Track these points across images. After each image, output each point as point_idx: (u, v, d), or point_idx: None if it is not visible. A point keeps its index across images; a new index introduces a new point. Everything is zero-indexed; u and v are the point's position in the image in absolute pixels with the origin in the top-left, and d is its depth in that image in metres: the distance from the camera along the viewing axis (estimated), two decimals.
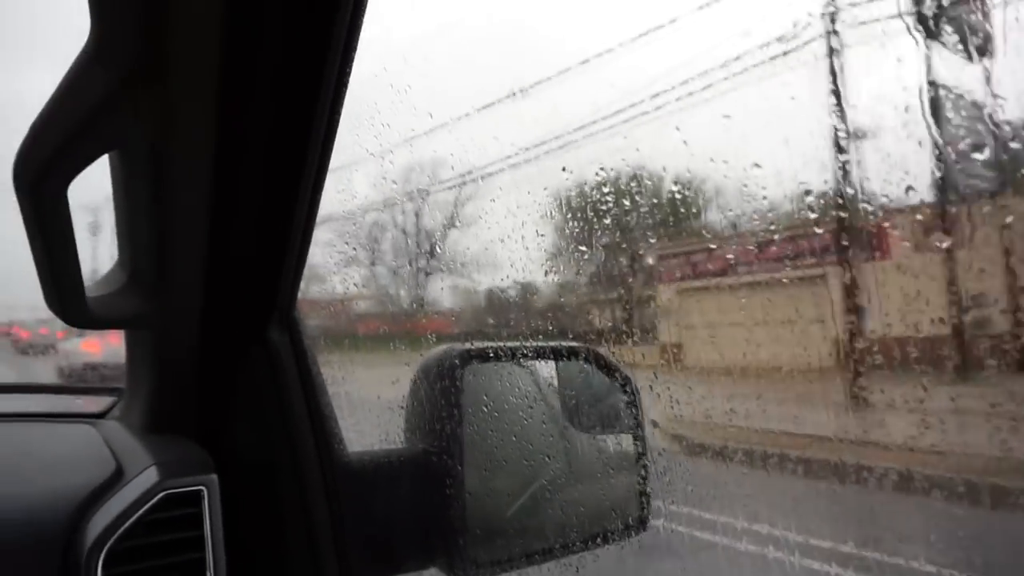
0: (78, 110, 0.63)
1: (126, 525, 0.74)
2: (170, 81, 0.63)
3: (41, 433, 1.18)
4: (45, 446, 1.06)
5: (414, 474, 1.01)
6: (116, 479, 0.81)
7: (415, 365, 1.14)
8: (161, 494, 0.77)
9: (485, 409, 1.10)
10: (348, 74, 0.68)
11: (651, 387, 1.25)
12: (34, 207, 0.66)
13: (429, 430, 1.03)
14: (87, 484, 0.80)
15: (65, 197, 0.67)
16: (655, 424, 1.27)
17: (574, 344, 1.18)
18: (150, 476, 0.79)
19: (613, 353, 1.25)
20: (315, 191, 0.77)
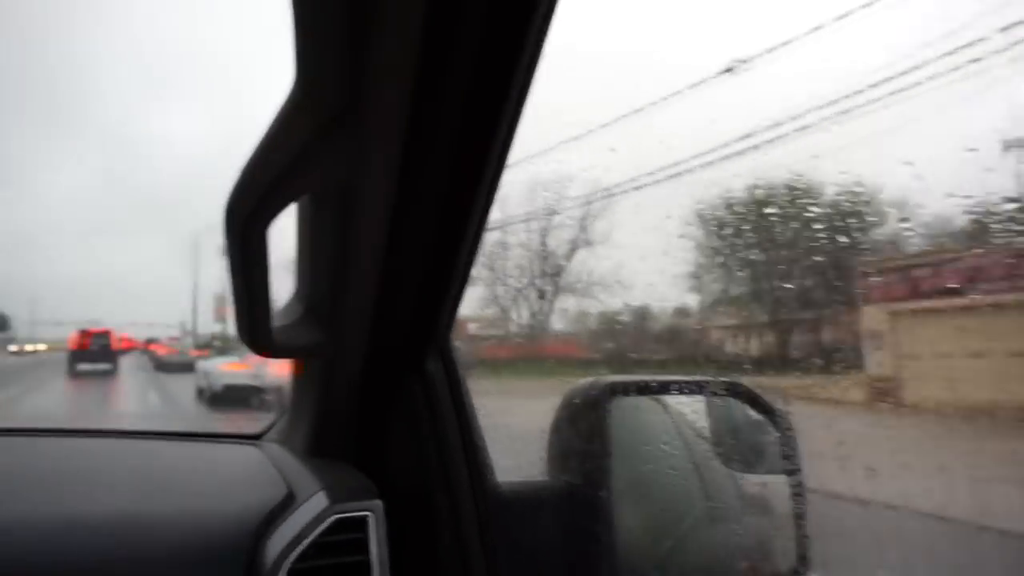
0: (284, 155, 0.70)
1: (301, 547, 0.80)
2: (363, 126, 0.69)
3: (208, 452, 1.29)
4: (215, 465, 1.15)
5: (561, 507, 1.02)
6: (288, 502, 0.88)
7: (545, 391, 1.14)
8: (332, 518, 0.82)
9: (632, 444, 1.09)
10: (519, 121, 0.72)
11: (862, 428, 1.15)
12: (241, 245, 0.74)
13: (576, 464, 1.04)
14: (262, 505, 0.87)
15: (267, 236, 0.75)
16: (872, 471, 1.18)
17: (724, 379, 1.15)
18: (320, 500, 0.85)
19: (796, 386, 1.19)
20: (480, 228, 0.82)
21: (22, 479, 1.01)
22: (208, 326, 50.97)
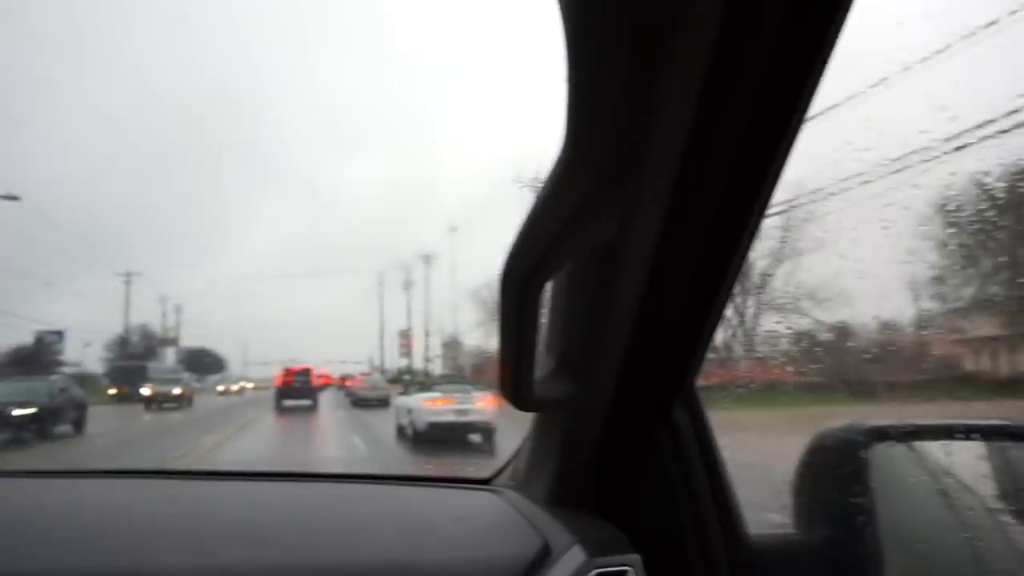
0: (559, 214, 0.75)
1: None
2: (636, 180, 0.72)
3: (444, 497, 1.34)
4: (457, 511, 1.19)
5: (820, 566, 0.96)
6: (545, 553, 0.91)
7: (772, 424, 1.08)
8: (593, 572, 0.85)
9: (900, 496, 1.00)
10: (783, 172, 0.72)
11: None
12: (517, 304, 0.79)
13: (832, 517, 0.98)
14: (518, 556, 0.92)
15: (541, 295, 0.80)
16: None
17: (1011, 423, 1.02)
18: (577, 554, 0.88)
19: None
20: (734, 277, 0.82)
21: (265, 524, 1.08)
22: (394, 361, 55.64)
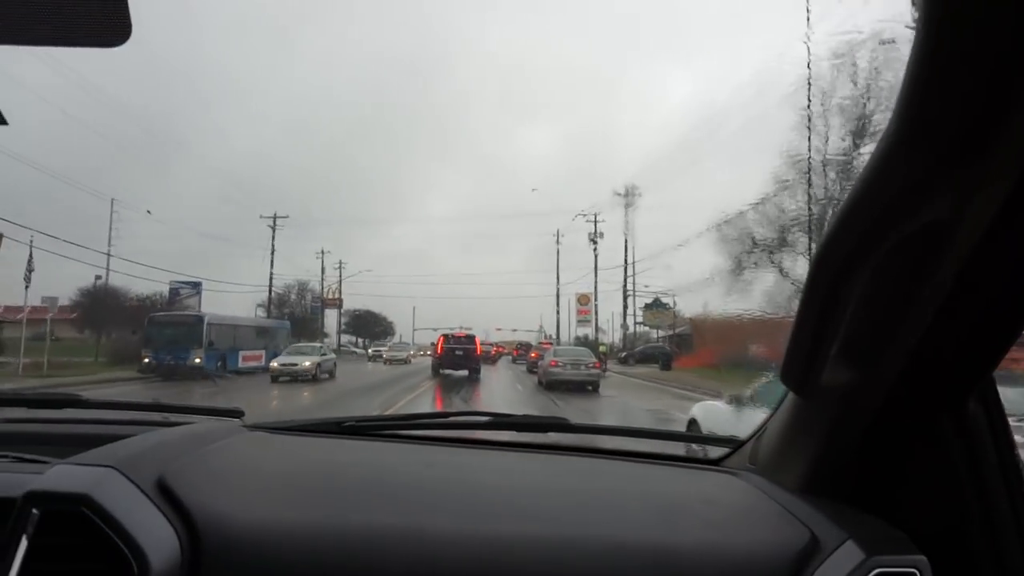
0: (885, 194, 0.77)
1: None
2: (978, 162, 0.72)
3: (684, 477, 1.38)
4: (702, 493, 1.23)
5: None
6: (814, 545, 0.96)
7: None
8: (875, 572, 0.88)
9: None
10: None
11: None
12: (830, 287, 0.83)
13: None
14: (783, 545, 0.97)
15: (857, 278, 0.82)
16: None
17: None
18: (853, 550, 0.92)
19: None
20: None
21: (522, 494, 1.16)
22: (570, 329, 55.76)
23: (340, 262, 59.74)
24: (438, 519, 1.01)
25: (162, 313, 29.75)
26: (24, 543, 0.85)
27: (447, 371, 27.17)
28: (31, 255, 24.67)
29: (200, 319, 27.66)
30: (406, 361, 41.60)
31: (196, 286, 43.47)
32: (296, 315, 54.48)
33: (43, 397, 1.74)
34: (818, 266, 0.82)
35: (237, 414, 1.64)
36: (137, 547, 0.86)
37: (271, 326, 36.27)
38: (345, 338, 64.94)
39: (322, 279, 58.31)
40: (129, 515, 0.89)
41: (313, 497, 1.08)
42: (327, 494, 1.10)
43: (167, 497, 0.97)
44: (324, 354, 26.59)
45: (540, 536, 0.98)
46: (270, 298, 49.81)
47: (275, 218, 48.55)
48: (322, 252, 58.39)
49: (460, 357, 27.62)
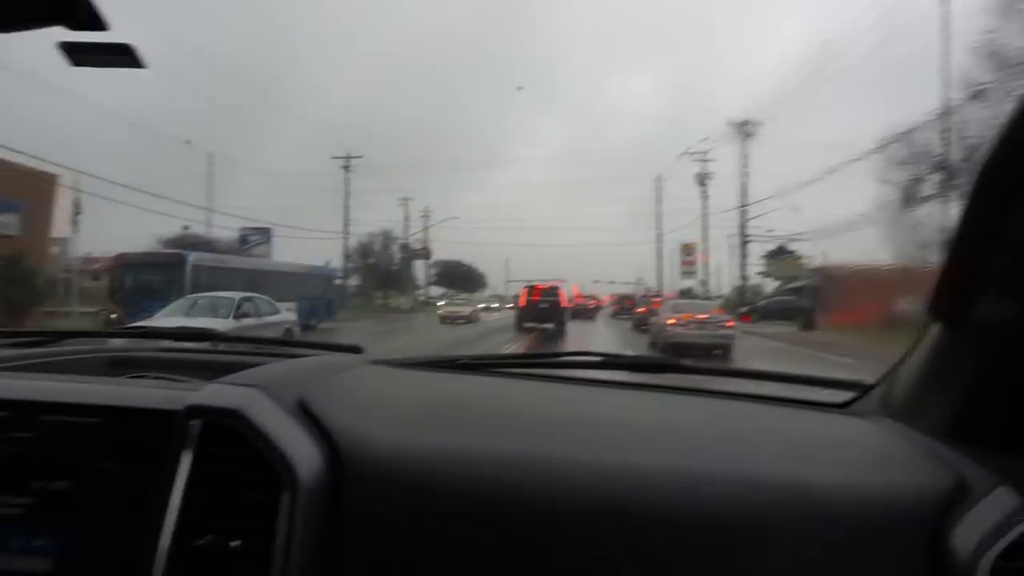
0: None
1: (1003, 543, 0.84)
2: None
3: (818, 420, 1.36)
4: (842, 434, 1.23)
5: None
6: (962, 490, 0.93)
7: None
8: None
9: None
10: None
11: None
12: (995, 205, 0.78)
13: None
14: (927, 487, 0.94)
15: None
16: None
17: None
18: (1006, 496, 0.88)
19: None
20: None
21: (632, 429, 1.21)
22: (673, 282, 54.18)
23: (426, 209, 60.50)
24: (568, 449, 1.05)
25: (133, 252, 24.21)
26: (189, 449, 0.96)
27: (531, 325, 26.75)
28: (75, 209, 25.90)
29: (182, 259, 22.18)
30: (469, 319, 36.18)
31: (265, 232, 43.30)
32: (380, 265, 55.69)
33: (185, 332, 2.13)
34: (977, 187, 0.77)
35: (357, 350, 1.76)
36: (286, 460, 0.95)
37: (306, 272, 31.47)
38: (437, 290, 65.75)
39: (406, 225, 58.84)
40: (276, 431, 0.98)
41: (445, 425, 1.15)
42: (458, 422, 1.17)
43: (308, 418, 1.06)
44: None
45: (670, 468, 1.01)
46: (345, 245, 49.41)
47: (348, 158, 48.54)
48: (405, 199, 58.83)
49: (544, 310, 27.08)
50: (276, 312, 16.35)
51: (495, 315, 47.07)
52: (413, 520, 0.95)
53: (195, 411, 0.99)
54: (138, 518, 0.94)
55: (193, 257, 22.54)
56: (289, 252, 38.89)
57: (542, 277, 31.17)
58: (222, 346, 2.13)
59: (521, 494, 0.96)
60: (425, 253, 61.29)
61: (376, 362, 1.57)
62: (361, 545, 0.94)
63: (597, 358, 1.64)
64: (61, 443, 1.00)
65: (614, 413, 1.32)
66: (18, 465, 0.99)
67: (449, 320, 35.37)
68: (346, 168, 48.34)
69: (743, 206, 38.50)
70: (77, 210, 29.70)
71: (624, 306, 42.67)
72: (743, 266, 39.71)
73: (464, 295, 56.29)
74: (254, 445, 0.96)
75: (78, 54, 1.05)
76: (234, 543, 0.90)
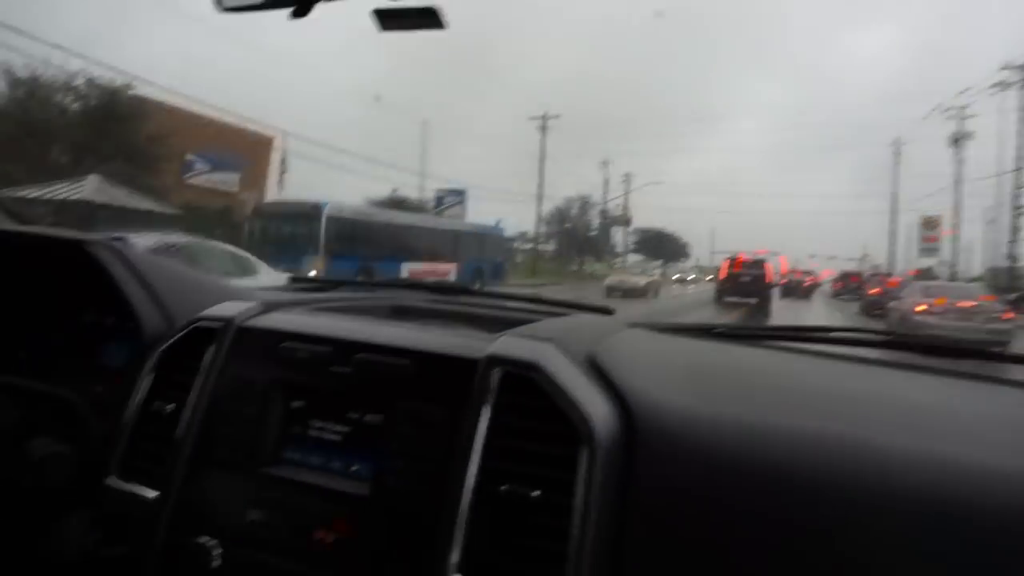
0: None
1: None
2: None
3: None
4: None
5: None
6: None
7: None
8: None
9: None
10: None
11: None
12: None
13: None
14: None
15: None
16: None
17: None
18: None
19: None
20: None
21: (947, 418, 1.07)
22: (908, 261, 48.12)
23: (627, 174, 58.04)
24: (876, 432, 0.95)
25: (271, 201, 23.13)
26: (489, 397, 1.00)
27: (731, 300, 24.63)
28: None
29: (317, 209, 19.86)
30: (644, 292, 30.24)
31: (460, 194, 43.44)
32: (577, 231, 54.46)
33: (442, 285, 2.46)
34: None
35: (608, 311, 1.72)
36: (582, 413, 0.95)
37: (469, 231, 28.44)
38: (635, 258, 63.47)
39: (604, 189, 56.95)
40: (573, 385, 0.99)
41: (731, 394, 1.10)
42: (743, 393, 1.12)
43: (599, 375, 1.06)
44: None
45: (1003, 470, 0.87)
46: (539, 208, 47.61)
47: (545, 118, 46.63)
48: (605, 161, 56.96)
49: (747, 284, 24.98)
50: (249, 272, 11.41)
51: (690, 289, 43.97)
52: (705, 492, 0.90)
53: (495, 361, 1.02)
54: (444, 458, 0.99)
55: (330, 208, 20.22)
56: (488, 215, 38.50)
57: (751, 249, 29.20)
58: (475, 299, 1.96)
59: (820, 474, 0.88)
60: (624, 219, 59.38)
61: (633, 325, 1.52)
62: (652, 512, 0.92)
63: (878, 336, 1.53)
64: (375, 380, 1.10)
65: (924, 398, 1.19)
66: (338, 397, 1.13)
67: (618, 292, 28.43)
68: (543, 128, 46.68)
69: (1019, 168, 32.18)
70: (283, 169, 32.59)
71: (848, 284, 37.63)
72: (1012, 243, 32.73)
73: (655, 264, 51.85)
74: (550, 398, 0.98)
75: (389, 19, 1.22)
76: (535, 493, 0.92)
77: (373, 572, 1.01)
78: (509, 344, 1.06)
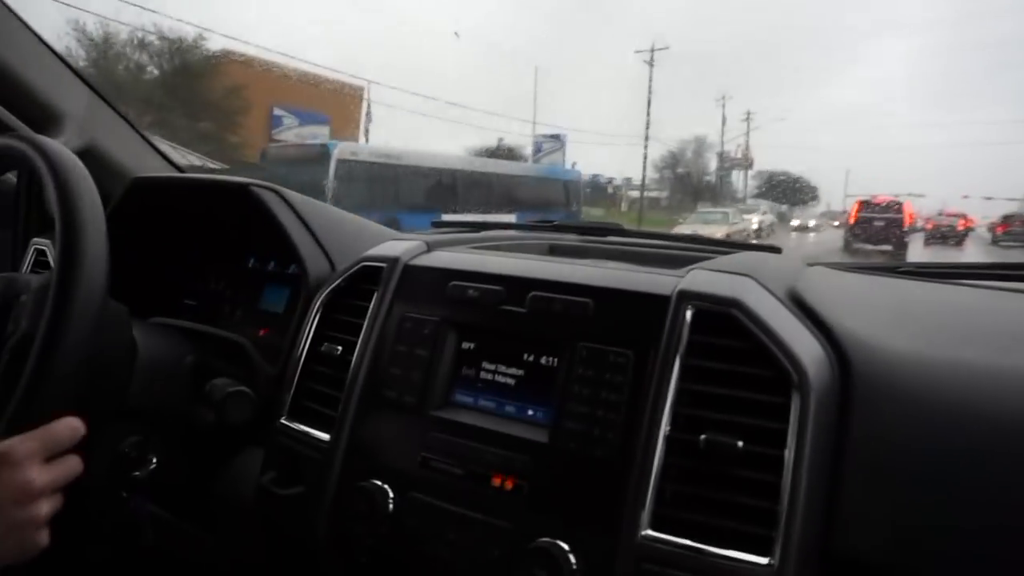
0: None
1: None
2: None
3: None
4: None
5: None
6: None
7: None
8: None
9: None
10: None
11: None
12: None
13: None
14: None
15: None
16: None
17: None
18: None
19: None
20: None
21: None
22: None
23: (748, 112, 54.15)
24: None
25: (278, 144, 20.92)
26: (682, 337, 0.92)
27: (861, 246, 23.22)
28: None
29: (325, 152, 17.34)
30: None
31: (558, 138, 41.45)
32: (692, 175, 51.57)
33: (592, 225, 1.96)
34: None
35: (776, 250, 1.53)
36: (793, 356, 0.87)
37: (526, 175, 24.77)
38: (757, 203, 59.47)
39: (722, 129, 53.65)
40: (779, 324, 0.91)
41: (949, 336, 1.00)
42: (960, 334, 1.02)
43: (806, 313, 0.98)
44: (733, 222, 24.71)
45: None
46: (646, 153, 43.12)
47: (652, 51, 42.51)
48: (723, 97, 53.38)
49: (880, 229, 23.33)
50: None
51: (811, 236, 39.39)
52: (934, 444, 0.82)
53: (687, 296, 0.95)
54: (631, 403, 0.93)
55: (339, 150, 17.55)
56: (592, 161, 36.64)
57: (891, 192, 26.07)
58: (629, 239, 1.75)
59: None
60: (746, 162, 55.75)
61: (812, 264, 1.39)
62: (872, 467, 0.84)
63: None
64: (551, 320, 1.03)
65: None
66: (511, 338, 1.06)
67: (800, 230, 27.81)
68: (650, 63, 43.23)
69: None
70: (368, 120, 31.44)
71: (1013, 229, 33.03)
72: None
73: (753, 207, 47.16)
74: (753, 339, 0.89)
75: None
76: (740, 443, 0.85)
77: (556, 522, 0.94)
78: (702, 279, 0.99)
